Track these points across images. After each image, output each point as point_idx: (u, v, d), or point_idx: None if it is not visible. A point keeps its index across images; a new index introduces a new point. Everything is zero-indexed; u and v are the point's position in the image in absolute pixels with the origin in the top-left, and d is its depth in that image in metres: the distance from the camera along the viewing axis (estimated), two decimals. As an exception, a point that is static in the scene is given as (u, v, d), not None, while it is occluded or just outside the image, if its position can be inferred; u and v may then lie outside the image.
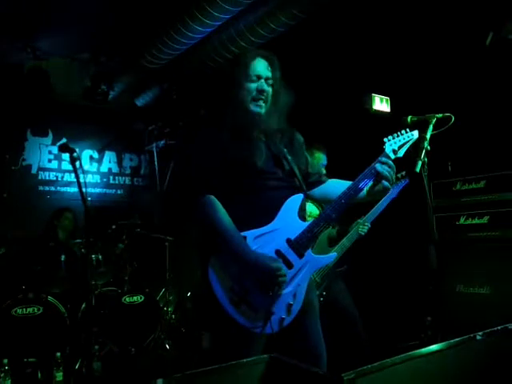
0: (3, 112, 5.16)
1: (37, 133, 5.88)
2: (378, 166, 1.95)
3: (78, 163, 2.69)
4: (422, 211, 2.69)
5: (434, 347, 1.51)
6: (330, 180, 2.20)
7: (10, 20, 4.03)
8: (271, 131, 2.06)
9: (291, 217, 1.93)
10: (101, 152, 6.35)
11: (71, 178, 6.05)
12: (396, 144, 2.10)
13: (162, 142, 5.82)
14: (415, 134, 2.18)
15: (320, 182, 2.17)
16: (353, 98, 4.29)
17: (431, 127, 2.37)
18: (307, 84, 4.75)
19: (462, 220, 3.76)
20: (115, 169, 6.49)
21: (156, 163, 5.90)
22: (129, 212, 5.15)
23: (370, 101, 4.10)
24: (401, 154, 2.11)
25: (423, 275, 3.02)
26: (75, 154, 2.65)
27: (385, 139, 2.11)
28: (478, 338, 1.66)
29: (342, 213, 1.93)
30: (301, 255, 1.89)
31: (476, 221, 3.67)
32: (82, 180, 2.62)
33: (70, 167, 5.91)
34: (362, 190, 1.96)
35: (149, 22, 4.05)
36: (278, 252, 1.88)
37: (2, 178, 5.55)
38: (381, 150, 2.06)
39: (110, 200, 6.29)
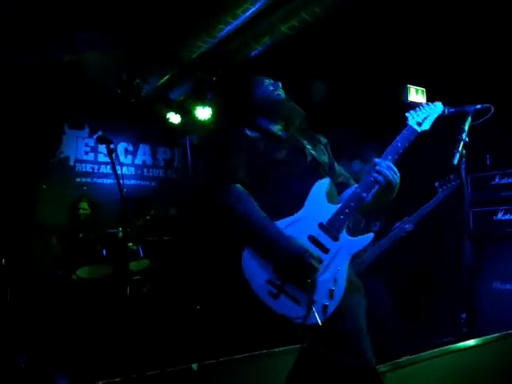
0: (42, 106, 5.32)
1: (74, 126, 6.04)
2: (376, 176, 1.89)
3: (114, 155, 2.76)
4: (459, 205, 2.63)
5: (470, 342, 1.49)
6: (355, 161, 2.21)
7: (48, 15, 4.14)
8: (293, 123, 2.12)
9: (320, 201, 1.90)
10: (135, 144, 6.47)
11: (107, 169, 6.18)
12: (419, 116, 2.06)
13: (195, 136, 5.88)
14: (438, 105, 2.15)
15: (347, 185, 2.13)
16: (387, 89, 4.22)
17: (469, 119, 2.31)
18: (342, 76, 4.71)
19: (500, 215, 3.65)
20: (149, 161, 6.60)
21: (189, 156, 5.97)
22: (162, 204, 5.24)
23: (406, 92, 4.01)
24: (426, 126, 2.06)
25: (459, 271, 2.96)
26: (112, 146, 2.71)
27: (406, 114, 2.06)
28: (517, 334, 1.62)
29: (373, 194, 1.89)
30: (335, 238, 1.85)
31: (515, 216, 3.57)
32: (118, 172, 2.68)
33: (105, 159, 6.15)
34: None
35: (183, 14, 4.09)
36: (310, 237, 1.84)
37: (42, 170, 5.73)
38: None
39: (145, 192, 6.40)
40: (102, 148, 5.98)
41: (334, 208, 1.87)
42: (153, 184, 6.59)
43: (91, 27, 4.29)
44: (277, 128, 2.10)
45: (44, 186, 5.68)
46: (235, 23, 3.81)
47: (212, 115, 5.63)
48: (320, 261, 1.78)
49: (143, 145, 6.53)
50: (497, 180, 3.68)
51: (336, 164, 2.21)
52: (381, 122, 4.27)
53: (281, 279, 1.76)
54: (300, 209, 1.88)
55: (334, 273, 1.80)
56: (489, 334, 1.66)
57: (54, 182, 5.82)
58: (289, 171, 1.96)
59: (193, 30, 4.11)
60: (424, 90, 3.97)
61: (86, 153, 6.17)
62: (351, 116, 4.62)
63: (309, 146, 2.08)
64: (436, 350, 1.49)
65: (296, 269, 1.75)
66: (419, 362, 1.42)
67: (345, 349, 1.69)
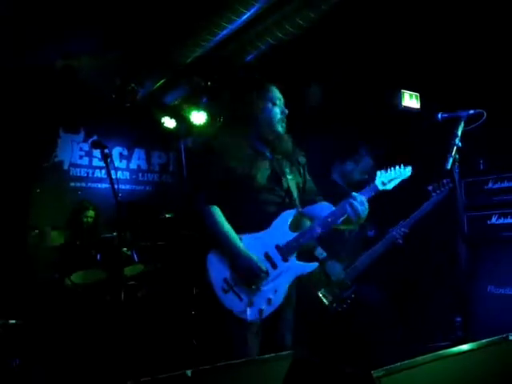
0: (37, 110, 5.30)
1: (69, 130, 6.02)
2: (348, 208, 2.26)
3: (109, 160, 2.75)
4: (454, 209, 2.64)
5: (464, 347, 1.49)
6: (322, 202, 2.50)
7: (42, 18, 4.13)
8: (280, 151, 2.43)
9: (283, 227, 2.31)
10: (130, 149, 6.46)
11: (102, 174, 6.16)
12: (386, 178, 2.40)
13: (189, 140, 5.87)
14: (408, 169, 2.45)
15: (313, 201, 2.50)
16: (381, 94, 4.24)
17: (462, 124, 2.33)
18: (335, 81, 4.73)
19: (493, 219, 3.67)
20: (144, 166, 6.58)
21: (183, 160, 5.96)
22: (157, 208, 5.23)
23: (399, 97, 4.04)
24: (389, 187, 2.40)
25: (453, 275, 2.97)
26: (106, 151, 2.71)
27: (377, 172, 2.42)
28: (511, 338, 1.63)
29: (328, 230, 2.31)
30: (286, 259, 2.27)
31: (508, 220, 3.58)
32: (113, 176, 2.67)
33: (100, 164, 6.13)
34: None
35: (178, 19, 4.09)
36: (266, 254, 2.27)
37: (36, 174, 5.70)
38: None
39: (139, 196, 6.38)
40: (97, 152, 6.04)
41: (292, 235, 2.30)
42: (147, 188, 6.58)
43: (86, 31, 4.29)
44: (267, 150, 2.44)
45: (38, 190, 5.65)
46: (230, 27, 3.81)
47: (207, 120, 5.64)
48: (267, 274, 2.21)
49: (138, 149, 6.51)
50: (490, 185, 3.69)
51: (308, 182, 2.56)
52: (374, 125, 4.30)
53: (233, 280, 2.21)
54: (266, 228, 2.30)
55: (277, 286, 2.23)
56: (483, 338, 1.66)
57: (49, 185, 5.79)
58: (264, 196, 2.34)
59: (188, 34, 4.11)
60: (418, 95, 3.99)
61: (81, 157, 6.14)
62: (345, 119, 4.63)
63: (289, 176, 2.42)
64: (430, 354, 1.49)
65: (246, 275, 2.19)
66: (414, 367, 1.42)
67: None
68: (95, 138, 5.78)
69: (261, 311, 2.18)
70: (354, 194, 2.27)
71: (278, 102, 2.45)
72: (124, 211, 2.90)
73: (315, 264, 2.32)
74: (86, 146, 6.12)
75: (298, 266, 2.30)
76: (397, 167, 2.42)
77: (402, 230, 3.23)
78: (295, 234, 2.30)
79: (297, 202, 2.41)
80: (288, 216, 2.33)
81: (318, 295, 3.14)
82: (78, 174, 6.09)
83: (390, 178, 2.40)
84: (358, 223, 2.32)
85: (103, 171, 6.08)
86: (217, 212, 2.29)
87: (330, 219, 2.29)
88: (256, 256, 2.22)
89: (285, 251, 2.28)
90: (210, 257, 2.27)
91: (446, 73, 3.90)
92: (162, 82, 5.11)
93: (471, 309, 3.13)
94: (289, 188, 2.40)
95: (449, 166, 2.22)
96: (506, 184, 3.62)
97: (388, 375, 1.31)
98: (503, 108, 3.26)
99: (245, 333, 2.17)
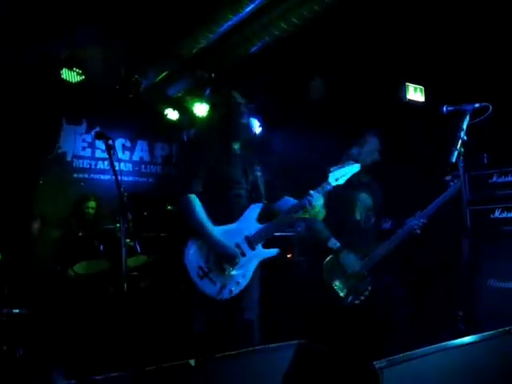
0: (40, 100, 5.29)
1: (71, 121, 6.01)
2: (306, 203, 2.65)
3: (112, 151, 2.73)
4: (457, 203, 2.63)
5: (467, 339, 1.50)
6: (285, 197, 2.78)
7: (46, 10, 4.11)
8: (249, 149, 2.79)
9: (251, 220, 2.67)
10: (133, 141, 6.45)
11: (104, 165, 6.16)
12: (338, 173, 2.77)
13: (193, 131, 5.86)
14: (356, 166, 2.84)
15: (278, 198, 2.80)
16: (386, 87, 4.21)
17: (468, 117, 2.32)
18: (339, 74, 4.70)
19: (496, 213, 3.66)
20: (147, 157, 6.58)
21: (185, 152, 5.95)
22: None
23: (404, 90, 4.01)
24: (341, 182, 2.78)
25: (456, 268, 2.97)
26: (110, 142, 2.69)
27: (330, 168, 2.77)
28: (513, 331, 1.63)
29: (290, 224, 2.85)
30: (253, 248, 2.63)
31: (511, 214, 3.57)
32: (116, 168, 2.66)
33: (103, 155, 6.11)
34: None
35: (184, 10, 4.07)
36: (236, 244, 2.61)
37: (39, 165, 5.70)
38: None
39: (142, 188, 6.38)
40: (100, 144, 6.04)
41: (259, 227, 2.66)
42: (150, 180, 6.57)
43: (90, 22, 4.27)
44: (238, 149, 2.77)
45: (41, 181, 5.66)
46: (235, 19, 3.79)
47: (209, 112, 5.62)
48: (236, 262, 2.56)
49: (141, 141, 6.50)
50: (494, 178, 3.68)
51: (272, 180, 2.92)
52: (378, 119, 4.28)
53: (208, 268, 2.55)
54: (237, 220, 2.64)
55: (245, 271, 2.61)
56: (485, 332, 1.67)
57: (52, 177, 5.79)
58: (236, 191, 2.66)
59: (193, 26, 4.09)
60: (422, 88, 3.97)
61: (84, 148, 6.13)
62: (348, 112, 4.61)
63: (256, 167, 2.76)
64: (432, 346, 1.49)
65: (220, 261, 2.54)
66: (415, 358, 1.43)
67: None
68: (98, 129, 5.78)
69: (231, 291, 2.57)
70: (311, 191, 2.65)
71: (242, 107, 2.76)
72: (127, 203, 2.90)
73: (275, 250, 2.70)
74: (88, 138, 6.11)
75: (262, 253, 2.68)
76: (346, 164, 2.82)
77: (421, 220, 3.16)
78: (262, 226, 2.66)
79: (263, 196, 2.75)
80: (255, 209, 2.67)
81: (332, 287, 3.12)
82: (81, 166, 6.09)
83: (342, 174, 2.78)
84: (315, 215, 2.71)
85: (106, 163, 6.08)
86: (196, 201, 2.58)
87: (291, 213, 2.66)
88: (227, 248, 2.56)
89: (252, 241, 2.63)
90: (187, 246, 2.57)
91: (451, 66, 3.88)
92: (165, 73, 5.09)
93: (473, 303, 3.12)
94: (257, 183, 2.74)
95: (454, 160, 2.21)
96: (509, 178, 3.60)
97: (390, 366, 1.32)
98: (507, 102, 3.24)
99: (209, 310, 2.56)
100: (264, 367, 1.37)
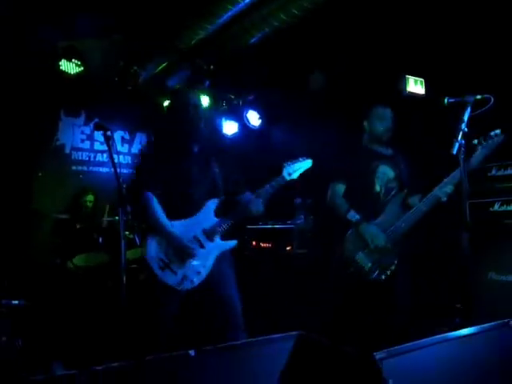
0: (38, 92, 5.26)
1: (70, 113, 5.98)
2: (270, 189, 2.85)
3: (111, 142, 2.72)
4: (457, 196, 2.63)
5: (466, 331, 1.50)
6: (246, 193, 2.90)
7: (44, 0, 4.08)
8: (205, 144, 2.93)
9: (208, 214, 2.81)
10: (132, 133, 6.42)
11: (103, 158, 6.15)
12: (292, 168, 2.91)
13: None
14: (308, 162, 2.97)
15: (238, 193, 2.94)
16: (386, 79, 4.19)
17: (469, 109, 2.31)
18: (339, 67, 4.68)
19: (496, 206, 3.66)
20: (146, 150, 6.56)
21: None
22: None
23: (404, 82, 3.99)
24: (294, 176, 2.92)
25: (455, 261, 2.97)
26: (109, 133, 2.67)
27: (284, 164, 2.90)
28: (512, 323, 1.63)
29: (246, 218, 2.85)
30: (211, 240, 2.79)
31: (511, 207, 3.57)
32: (115, 160, 2.65)
33: (102, 147, 6.10)
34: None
35: (182, 2, 4.04)
36: (194, 236, 2.76)
37: (37, 157, 5.68)
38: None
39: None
40: (99, 136, 6.01)
41: (216, 221, 2.81)
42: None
43: (89, 13, 4.24)
44: (196, 147, 2.90)
45: (40, 174, 5.64)
46: (234, 9, 3.76)
47: (210, 103, 5.60)
48: (195, 254, 2.71)
49: (140, 133, 6.48)
50: (493, 172, 3.68)
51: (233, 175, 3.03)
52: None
53: (168, 259, 2.70)
54: (194, 215, 2.79)
55: (205, 262, 2.75)
56: (484, 324, 1.66)
57: (50, 169, 5.78)
58: (194, 188, 2.80)
59: (191, 17, 4.06)
60: (423, 80, 3.95)
61: (82, 141, 6.11)
62: (349, 105, 4.60)
63: (216, 169, 2.91)
64: (432, 338, 1.49)
65: (179, 254, 2.70)
66: (415, 349, 1.43)
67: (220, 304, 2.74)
68: (97, 120, 5.75)
69: (192, 282, 2.71)
70: (258, 190, 2.83)
71: (198, 107, 2.90)
72: (126, 195, 2.90)
73: (234, 241, 2.85)
74: (87, 130, 6.09)
75: (221, 245, 2.82)
76: (301, 160, 2.94)
77: (449, 186, 2.95)
78: (218, 220, 2.81)
79: (221, 192, 2.89)
80: (212, 204, 2.83)
81: (355, 260, 3.06)
82: (80, 158, 6.08)
83: (295, 169, 2.92)
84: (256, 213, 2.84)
85: (105, 155, 6.07)
86: (152, 198, 2.74)
87: (240, 210, 2.82)
88: (186, 238, 2.72)
89: (210, 233, 2.78)
90: (148, 240, 2.73)
91: (452, 57, 3.86)
92: (164, 65, 5.06)
93: (471, 295, 3.12)
94: (215, 180, 2.89)
95: (455, 151, 2.21)
96: (509, 171, 3.60)
97: (390, 357, 1.32)
98: (508, 94, 3.23)
99: (171, 299, 2.70)
100: (263, 358, 1.37)
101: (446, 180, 3.00)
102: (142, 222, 3.01)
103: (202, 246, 2.76)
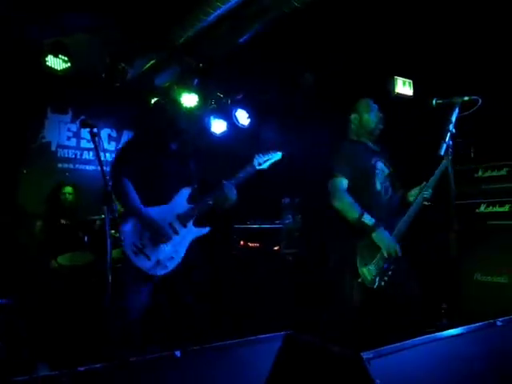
0: (24, 89, 5.18)
1: (56, 110, 5.90)
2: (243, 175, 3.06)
3: (97, 139, 2.68)
4: (445, 197, 2.64)
5: (454, 331, 1.50)
6: (224, 182, 3.01)
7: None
8: (185, 143, 3.11)
9: (182, 201, 2.96)
10: (119, 131, 6.36)
11: (90, 156, 6.07)
12: (262, 159, 3.12)
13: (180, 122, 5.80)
14: (278, 154, 3.19)
15: (216, 183, 3.05)
16: (374, 81, 4.21)
17: (457, 110, 2.32)
18: (328, 66, 4.69)
19: (482, 208, 3.69)
20: (133, 148, 6.50)
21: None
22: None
23: (392, 83, 4.01)
24: (265, 166, 3.13)
25: (441, 262, 2.98)
26: (95, 130, 2.64)
27: (255, 155, 3.10)
28: (499, 324, 1.64)
29: (219, 206, 2.98)
30: (185, 225, 2.91)
31: (497, 209, 3.61)
32: (102, 158, 2.62)
33: (88, 145, 6.03)
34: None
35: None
36: (169, 223, 2.87)
37: (23, 154, 5.60)
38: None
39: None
40: (85, 133, 5.94)
41: (189, 207, 2.94)
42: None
43: (77, 8, 4.18)
44: (174, 144, 3.05)
45: (25, 171, 5.56)
46: (224, 7, 3.74)
47: (199, 102, 5.57)
48: (169, 238, 2.82)
49: (127, 131, 6.41)
50: (480, 173, 3.71)
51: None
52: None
53: (141, 244, 2.77)
54: (168, 202, 2.91)
55: (177, 246, 2.85)
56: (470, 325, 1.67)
57: (36, 167, 5.70)
58: (170, 179, 2.94)
59: (181, 14, 4.02)
60: (411, 81, 3.97)
61: (69, 138, 6.04)
62: (338, 106, 4.60)
63: (191, 165, 3.06)
64: (419, 338, 1.49)
65: (154, 237, 2.78)
66: (403, 349, 1.42)
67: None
68: (83, 117, 5.68)
69: (166, 267, 2.80)
70: (224, 182, 2.97)
71: (176, 108, 3.27)
72: (111, 193, 2.87)
73: (207, 228, 2.98)
74: (73, 127, 6.01)
75: (194, 231, 2.95)
76: (271, 152, 3.15)
77: (430, 191, 2.92)
78: (192, 205, 2.94)
79: (195, 180, 3.03)
80: (185, 192, 2.96)
81: (365, 268, 2.83)
82: (66, 156, 6.00)
83: (265, 159, 3.11)
84: (229, 204, 2.98)
85: (91, 153, 6.00)
86: (128, 184, 2.83)
87: (207, 197, 2.94)
88: (160, 223, 2.81)
89: (183, 219, 2.89)
90: (123, 225, 2.80)
91: (440, 59, 3.88)
92: (152, 62, 5.02)
93: (458, 296, 3.15)
94: (190, 174, 3.03)
95: (442, 153, 2.22)
96: (495, 173, 3.63)
97: (377, 357, 1.31)
98: (495, 95, 3.26)
99: (143, 287, 2.77)
100: (251, 358, 1.36)
101: (425, 184, 2.95)
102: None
103: (175, 232, 2.86)
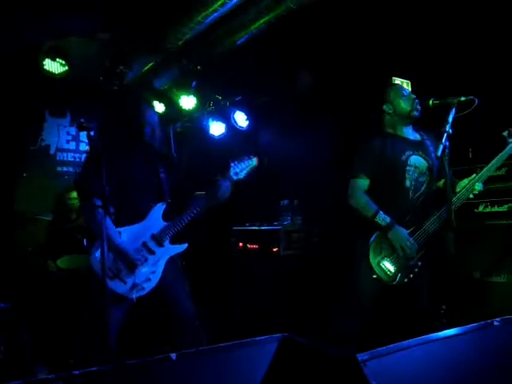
0: (22, 92, 5.19)
1: (55, 113, 5.91)
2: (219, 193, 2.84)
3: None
4: (442, 197, 2.64)
5: (450, 331, 1.49)
6: (195, 195, 2.86)
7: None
8: (154, 150, 2.87)
9: (156, 218, 2.75)
10: (118, 133, 6.36)
11: (89, 159, 6.09)
12: (238, 168, 2.91)
13: (179, 124, 5.81)
14: (254, 160, 2.97)
15: (190, 193, 2.92)
16: (372, 81, 4.21)
17: (454, 110, 2.32)
18: (326, 67, 4.69)
19: (480, 208, 3.69)
20: (132, 150, 6.50)
21: (172, 145, 5.89)
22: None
23: (390, 84, 4.00)
24: (242, 175, 2.91)
25: (440, 262, 2.98)
26: (92, 133, 2.64)
27: (230, 163, 2.89)
28: (496, 324, 1.64)
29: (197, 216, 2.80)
30: (161, 245, 2.72)
31: (495, 209, 3.60)
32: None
33: (87, 148, 6.03)
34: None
35: (169, 1, 4.01)
36: (143, 243, 2.69)
37: (22, 158, 5.61)
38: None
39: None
40: (84, 137, 5.93)
41: (164, 224, 2.74)
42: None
43: (75, 11, 4.19)
44: (143, 151, 2.84)
45: (24, 175, 5.57)
46: (221, 10, 3.75)
47: (197, 104, 5.57)
48: (144, 261, 2.64)
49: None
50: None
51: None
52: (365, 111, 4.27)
53: (116, 269, 2.60)
54: (142, 221, 2.71)
55: (155, 268, 2.68)
56: (468, 325, 1.66)
57: (35, 170, 5.71)
58: (140, 192, 2.74)
59: (179, 16, 4.03)
60: (409, 82, 3.97)
61: (68, 141, 6.06)
62: (335, 106, 4.61)
63: (162, 175, 2.84)
64: (416, 339, 1.49)
65: (128, 264, 2.61)
66: (399, 351, 1.42)
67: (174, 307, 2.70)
68: (82, 120, 5.68)
69: (143, 289, 2.64)
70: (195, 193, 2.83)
71: (150, 114, 2.90)
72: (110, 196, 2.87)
73: (185, 245, 2.80)
74: (72, 130, 6.03)
75: (171, 249, 2.76)
76: (245, 159, 2.93)
77: (477, 184, 2.83)
78: (167, 223, 2.74)
79: (167, 195, 2.83)
80: (160, 208, 2.76)
81: (379, 266, 2.75)
82: (65, 159, 6.02)
83: (241, 168, 2.91)
84: (223, 200, 2.83)
85: (91, 156, 6.00)
86: (96, 207, 2.56)
87: (184, 215, 2.76)
88: (133, 246, 2.64)
89: (159, 238, 2.71)
90: (93, 249, 2.63)
91: (437, 59, 3.88)
92: (150, 65, 5.03)
93: (456, 296, 3.14)
94: (161, 184, 2.82)
95: (439, 153, 2.21)
96: (493, 173, 3.62)
97: (373, 359, 1.31)
98: (492, 96, 3.26)
99: (117, 304, 2.56)
100: (247, 360, 1.36)
101: (477, 176, 2.86)
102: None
103: (151, 252, 2.69)
